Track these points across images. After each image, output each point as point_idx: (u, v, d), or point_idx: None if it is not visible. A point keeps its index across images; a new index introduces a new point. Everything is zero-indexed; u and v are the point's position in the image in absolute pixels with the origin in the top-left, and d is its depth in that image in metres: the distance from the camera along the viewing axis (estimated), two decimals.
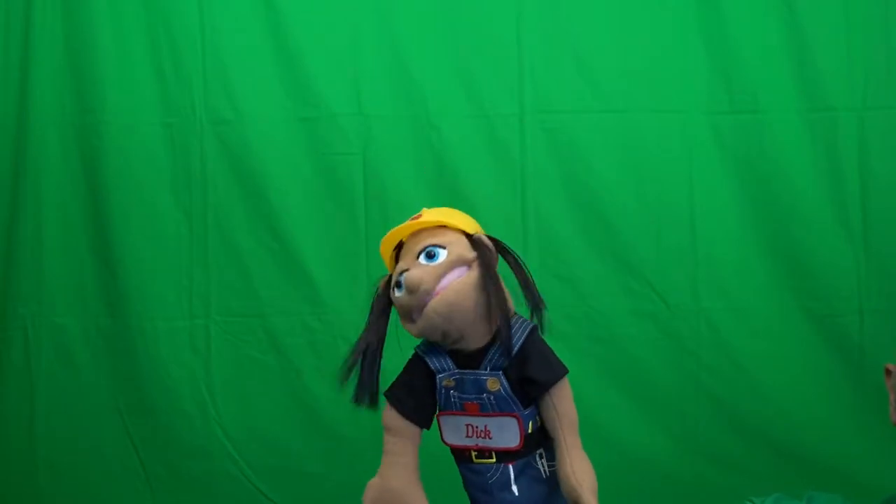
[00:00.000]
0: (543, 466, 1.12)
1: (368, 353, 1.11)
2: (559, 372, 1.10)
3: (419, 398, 1.13)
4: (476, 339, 1.09)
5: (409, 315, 1.09)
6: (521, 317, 1.11)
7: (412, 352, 1.18)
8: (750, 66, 1.90)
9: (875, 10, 1.88)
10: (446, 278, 1.06)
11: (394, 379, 1.17)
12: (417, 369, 1.14)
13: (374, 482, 1.12)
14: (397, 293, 1.09)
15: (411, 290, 1.05)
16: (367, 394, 1.13)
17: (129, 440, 1.91)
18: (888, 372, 0.88)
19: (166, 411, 1.90)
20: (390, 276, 1.14)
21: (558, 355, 1.14)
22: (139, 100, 1.90)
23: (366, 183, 1.91)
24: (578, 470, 1.06)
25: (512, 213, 1.89)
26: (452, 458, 1.18)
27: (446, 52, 1.91)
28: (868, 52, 1.88)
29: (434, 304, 1.04)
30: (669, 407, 1.91)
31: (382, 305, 1.13)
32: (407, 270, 1.08)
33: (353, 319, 1.89)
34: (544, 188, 1.91)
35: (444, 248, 1.08)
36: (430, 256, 1.08)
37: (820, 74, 1.89)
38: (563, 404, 1.10)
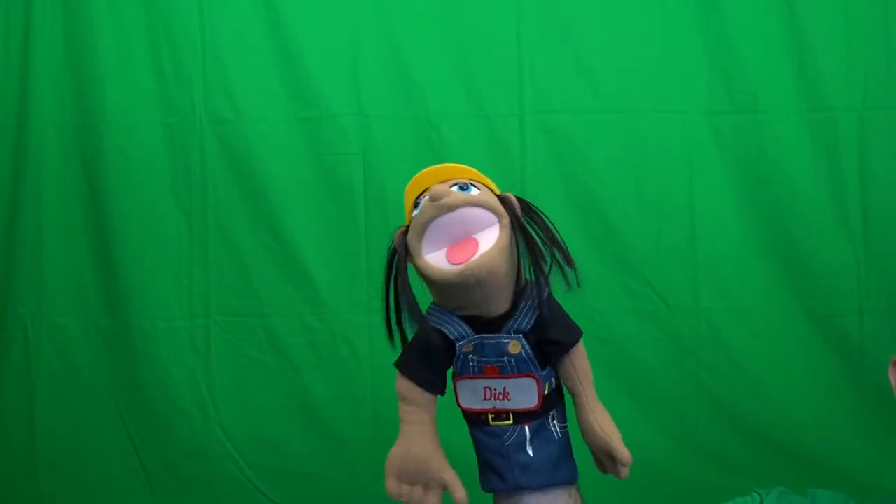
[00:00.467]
0: (555, 427, 1.13)
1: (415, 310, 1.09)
2: (578, 332, 1.13)
3: (435, 368, 1.12)
4: (498, 305, 1.08)
5: (420, 237, 1.05)
6: (532, 281, 1.11)
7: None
8: (750, 66, 1.90)
9: (875, 10, 1.88)
10: (473, 212, 1.04)
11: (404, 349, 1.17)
12: (432, 339, 1.11)
13: (395, 451, 1.11)
14: (414, 213, 1.06)
15: (434, 198, 1.03)
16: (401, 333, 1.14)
17: (129, 440, 1.91)
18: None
19: (166, 411, 1.90)
20: (405, 229, 1.11)
21: None
22: (139, 100, 1.90)
23: (366, 183, 1.91)
24: (603, 422, 1.11)
25: None
26: (455, 426, 1.17)
27: (446, 52, 1.91)
28: (868, 52, 1.88)
29: (474, 266, 1.01)
30: (669, 407, 1.91)
31: (403, 259, 1.10)
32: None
33: (353, 319, 1.90)
34: (544, 188, 1.91)
35: (477, 188, 1.08)
36: (463, 188, 1.07)
37: (820, 74, 1.89)
38: (581, 362, 1.13)
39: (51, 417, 1.90)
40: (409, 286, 1.09)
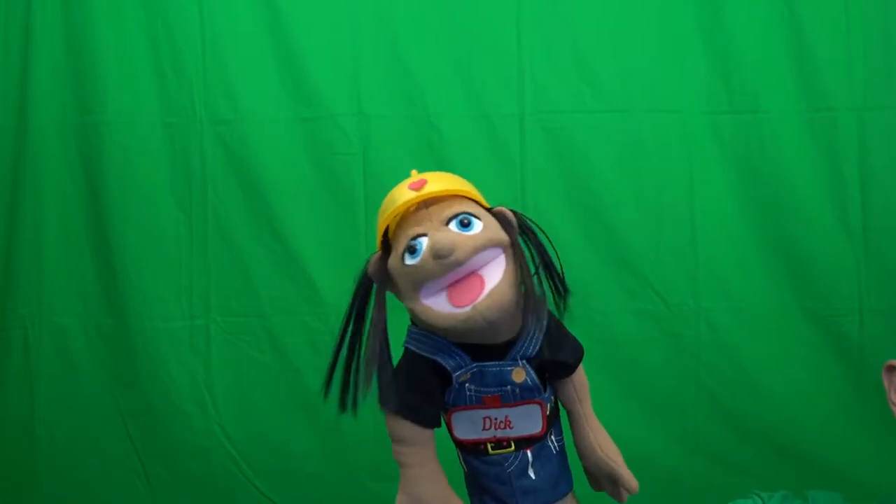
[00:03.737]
0: (553, 443, 1.06)
1: (382, 355, 0.96)
2: (581, 349, 1.05)
3: (433, 402, 1.01)
4: (506, 334, 0.97)
5: (417, 287, 0.92)
6: (540, 300, 0.98)
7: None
8: (750, 66, 1.90)
9: (875, 10, 1.88)
10: (481, 255, 0.92)
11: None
12: (424, 369, 1.00)
13: (400, 501, 1.00)
14: (409, 261, 0.92)
15: (440, 256, 0.89)
16: (356, 399, 0.98)
17: (129, 440, 1.91)
18: (891, 368, 0.88)
19: (166, 411, 1.90)
20: (381, 255, 0.99)
21: None
22: (139, 100, 1.90)
23: (366, 183, 1.91)
24: (604, 444, 1.05)
25: None
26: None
27: (446, 52, 1.91)
28: (868, 52, 1.88)
29: (483, 309, 0.90)
30: (669, 407, 1.91)
31: (383, 292, 0.97)
32: (423, 235, 0.92)
33: None
34: (544, 188, 1.91)
35: (479, 219, 0.94)
36: (465, 225, 0.93)
37: (820, 74, 1.89)
38: (580, 378, 1.06)
39: (51, 418, 1.90)
40: (385, 329, 0.96)
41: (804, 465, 1.83)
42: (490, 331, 0.93)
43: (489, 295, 0.91)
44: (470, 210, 0.95)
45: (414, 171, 1.03)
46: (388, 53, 1.91)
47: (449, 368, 0.98)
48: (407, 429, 1.00)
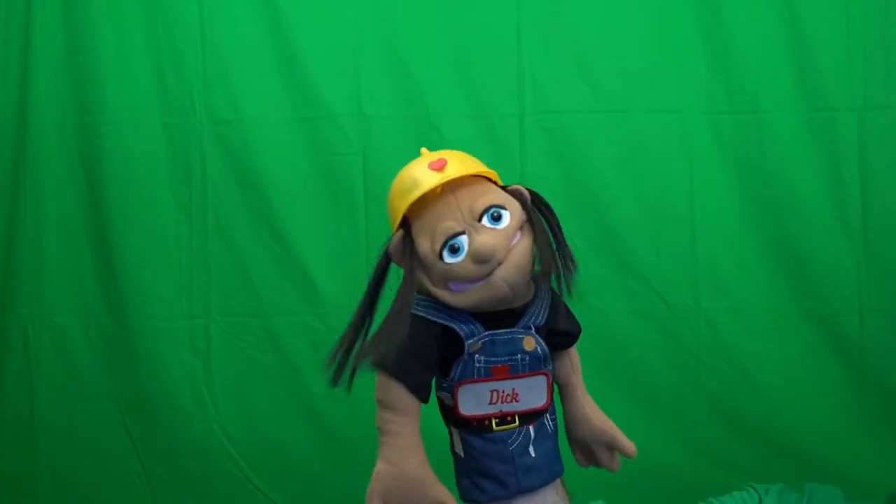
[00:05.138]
0: (549, 421, 1.08)
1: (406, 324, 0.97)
2: (579, 323, 1.11)
3: (429, 370, 1.01)
4: (520, 299, 1.01)
5: (448, 280, 0.97)
6: (541, 273, 1.01)
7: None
8: (750, 66, 1.91)
9: (875, 10, 1.88)
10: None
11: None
12: (427, 336, 1.00)
13: (382, 470, 0.98)
14: (450, 259, 0.96)
15: (483, 261, 0.94)
16: (353, 372, 0.99)
17: (129, 440, 1.91)
18: None
19: (166, 411, 1.90)
20: (403, 236, 1.01)
21: None
22: (139, 100, 1.90)
23: (366, 183, 1.91)
24: (598, 413, 1.09)
25: None
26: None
27: (446, 52, 1.91)
28: (868, 52, 1.88)
29: (503, 272, 0.94)
30: (669, 407, 1.91)
31: (412, 272, 0.98)
32: (462, 233, 0.95)
33: None
34: (544, 188, 1.88)
35: (506, 208, 0.98)
36: (496, 218, 0.97)
37: (820, 74, 1.89)
38: (575, 352, 1.11)
39: (51, 417, 1.89)
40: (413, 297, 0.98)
41: (804, 464, 1.83)
42: (513, 294, 0.97)
43: (507, 260, 0.95)
44: (497, 201, 0.98)
45: (424, 150, 1.05)
46: (388, 53, 1.91)
47: (463, 335, 0.99)
48: (398, 394, 0.99)
